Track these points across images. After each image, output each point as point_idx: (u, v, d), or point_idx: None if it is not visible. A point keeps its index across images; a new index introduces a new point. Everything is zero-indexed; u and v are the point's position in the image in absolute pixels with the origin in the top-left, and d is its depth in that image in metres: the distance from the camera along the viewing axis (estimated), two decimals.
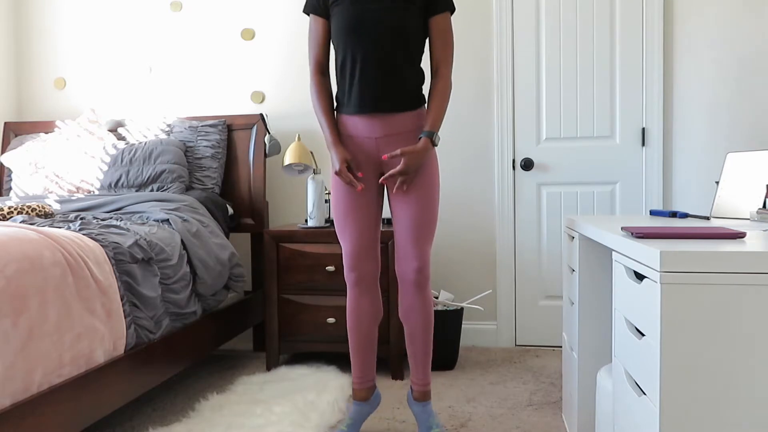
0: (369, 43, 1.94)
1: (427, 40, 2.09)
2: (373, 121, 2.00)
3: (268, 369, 2.97)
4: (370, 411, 2.21)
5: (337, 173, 1.98)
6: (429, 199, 2.02)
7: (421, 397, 2.16)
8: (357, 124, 2.03)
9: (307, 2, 2.07)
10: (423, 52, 2.05)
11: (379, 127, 2.01)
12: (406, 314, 2.11)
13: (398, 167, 1.94)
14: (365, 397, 2.19)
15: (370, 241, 2.08)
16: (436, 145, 1.99)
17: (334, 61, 2.05)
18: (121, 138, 3.44)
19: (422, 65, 1.99)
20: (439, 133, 3.35)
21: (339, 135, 2.04)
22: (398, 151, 1.93)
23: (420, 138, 1.97)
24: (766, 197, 1.92)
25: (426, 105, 2.07)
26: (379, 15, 1.93)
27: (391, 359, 2.85)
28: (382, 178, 1.98)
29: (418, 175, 2.00)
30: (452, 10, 2.03)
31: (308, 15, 2.09)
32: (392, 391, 2.67)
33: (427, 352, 2.13)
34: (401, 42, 1.95)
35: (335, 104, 2.10)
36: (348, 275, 2.11)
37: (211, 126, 3.33)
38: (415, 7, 1.96)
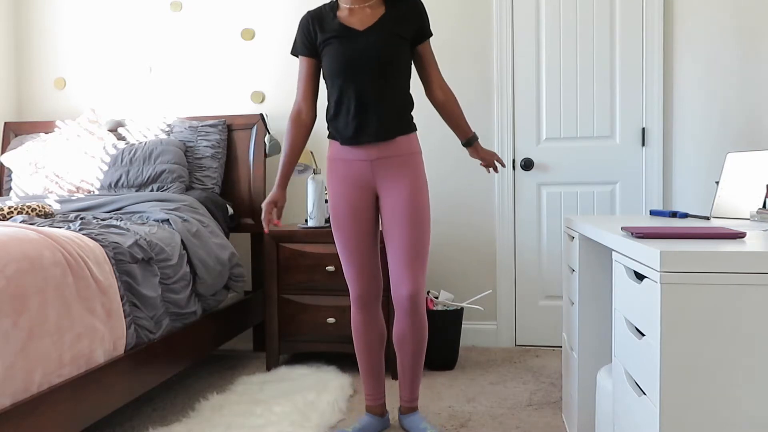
0: (362, 79, 2.01)
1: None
2: (369, 148, 2.07)
3: (268, 369, 2.97)
4: (380, 428, 2.25)
5: (264, 204, 2.10)
6: (421, 224, 2.07)
7: (408, 411, 2.24)
8: (351, 151, 2.09)
9: (294, 44, 2.14)
10: (409, 78, 2.13)
11: (374, 151, 2.07)
12: (399, 340, 2.17)
13: (494, 161, 2.25)
14: (380, 412, 2.26)
15: (372, 263, 2.15)
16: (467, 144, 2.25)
17: (327, 98, 2.12)
18: (121, 138, 3.44)
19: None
20: (440, 133, 3.40)
21: (285, 182, 2.15)
22: (482, 163, 2.25)
23: (470, 143, 2.23)
24: (766, 197, 1.92)
25: (413, 128, 2.14)
26: (369, 52, 2.00)
27: (390, 359, 2.85)
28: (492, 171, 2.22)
29: (409, 199, 2.06)
30: (431, 35, 2.17)
31: (296, 56, 2.15)
32: (392, 391, 2.67)
33: (416, 374, 2.21)
34: (392, 75, 2.04)
35: (329, 132, 2.16)
36: (355, 299, 2.17)
37: (211, 126, 3.33)
38: (403, 40, 2.05)
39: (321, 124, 3.49)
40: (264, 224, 2.11)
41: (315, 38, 2.08)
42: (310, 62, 2.11)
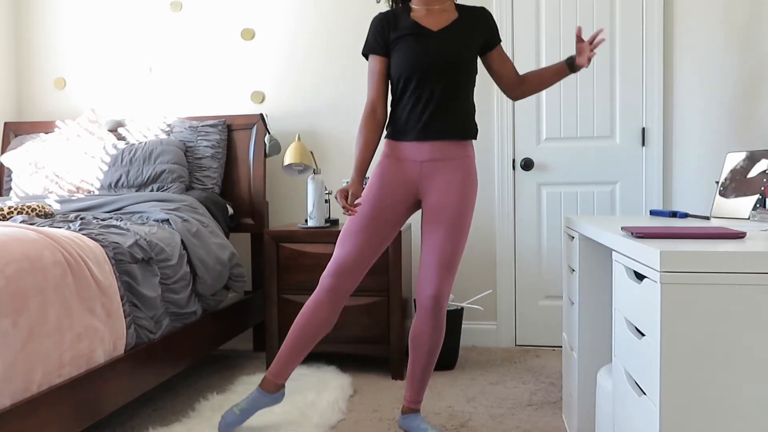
0: (430, 78, 2.04)
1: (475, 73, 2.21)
2: (424, 146, 2.08)
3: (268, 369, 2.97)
4: (268, 404, 2.21)
5: (341, 203, 2.01)
6: (460, 233, 2.09)
7: (410, 411, 2.22)
8: (406, 149, 2.10)
9: (366, 44, 2.15)
10: (474, 85, 2.16)
11: (428, 151, 2.08)
12: (415, 337, 2.16)
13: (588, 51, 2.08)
14: (274, 390, 2.20)
15: (365, 261, 2.11)
16: (572, 67, 2.13)
17: (392, 91, 2.14)
18: (121, 138, 3.44)
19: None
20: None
21: (363, 175, 2.09)
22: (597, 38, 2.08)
23: (570, 64, 2.13)
24: (765, 197, 1.92)
25: (475, 136, 2.15)
26: (443, 49, 2.04)
27: (391, 359, 2.85)
28: (587, 58, 2.06)
29: (457, 204, 2.07)
30: (500, 41, 2.18)
31: (366, 57, 2.16)
32: (392, 391, 2.67)
33: (426, 376, 2.19)
34: (458, 76, 2.07)
35: (386, 130, 2.17)
36: (325, 279, 2.10)
37: (211, 126, 3.33)
38: (473, 46, 2.10)
39: (325, 127, 3.49)
40: (346, 210, 2.00)
41: (388, 36, 2.10)
42: (383, 61, 2.12)
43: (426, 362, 2.17)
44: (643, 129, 3.24)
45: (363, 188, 2.10)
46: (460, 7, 2.14)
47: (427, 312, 2.11)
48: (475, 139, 2.15)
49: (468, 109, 2.11)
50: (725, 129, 3.16)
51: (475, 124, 2.15)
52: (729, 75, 3.15)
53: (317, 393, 2.54)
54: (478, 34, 2.11)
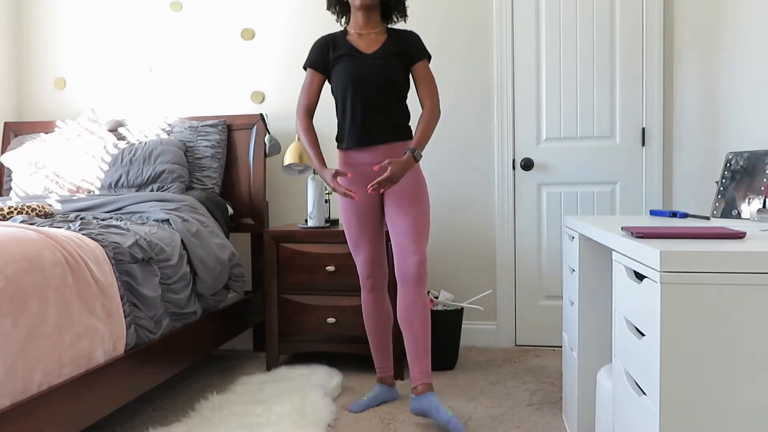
0: (367, 91, 2.36)
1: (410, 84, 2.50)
2: (372, 151, 2.38)
3: (268, 369, 2.97)
4: (389, 397, 2.55)
5: (334, 190, 2.28)
6: (422, 206, 2.36)
7: (426, 389, 2.24)
8: (358, 155, 2.41)
9: (308, 58, 2.46)
10: (407, 94, 2.45)
11: (377, 155, 2.38)
12: (408, 312, 2.30)
13: (385, 174, 2.22)
14: (389, 382, 2.56)
15: (380, 251, 2.49)
16: (418, 161, 2.31)
17: (335, 106, 2.44)
18: (121, 138, 3.44)
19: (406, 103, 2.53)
20: (439, 135, 3.44)
21: (324, 161, 2.40)
22: (386, 161, 2.22)
23: (405, 152, 2.31)
24: (766, 197, 1.92)
25: (408, 137, 2.44)
26: (374, 69, 2.36)
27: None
28: (369, 185, 2.21)
29: (410, 188, 2.35)
30: (428, 57, 2.43)
31: (305, 69, 2.47)
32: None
33: (428, 345, 2.31)
34: (391, 89, 2.38)
35: (338, 143, 2.47)
36: (365, 282, 2.49)
37: (211, 126, 3.33)
38: (399, 60, 2.39)
39: (325, 128, 3.49)
40: (349, 196, 2.23)
41: (328, 56, 2.42)
42: (320, 77, 2.45)
43: (425, 331, 2.29)
44: (643, 129, 3.24)
45: (331, 169, 2.31)
46: (390, 31, 2.44)
47: (415, 281, 2.29)
48: (409, 139, 2.40)
49: (397, 115, 2.39)
50: (725, 129, 3.16)
51: (408, 128, 2.42)
52: (729, 74, 3.15)
53: (317, 393, 2.53)
54: (404, 52, 2.40)
